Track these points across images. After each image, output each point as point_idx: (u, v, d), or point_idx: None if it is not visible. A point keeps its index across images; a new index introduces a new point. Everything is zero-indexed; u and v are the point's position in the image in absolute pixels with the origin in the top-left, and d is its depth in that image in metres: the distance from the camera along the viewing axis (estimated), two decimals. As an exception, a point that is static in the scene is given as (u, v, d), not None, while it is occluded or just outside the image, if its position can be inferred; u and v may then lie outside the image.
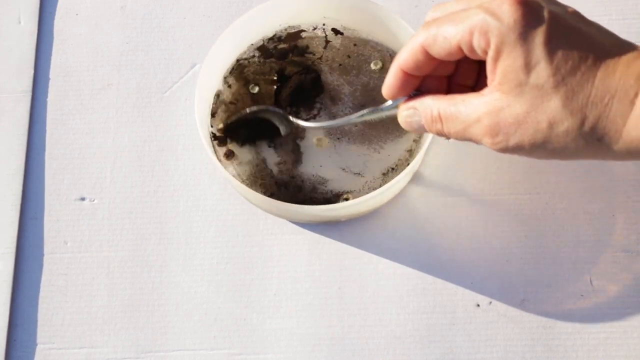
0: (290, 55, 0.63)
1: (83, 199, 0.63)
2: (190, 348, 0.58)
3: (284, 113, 0.59)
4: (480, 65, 0.49)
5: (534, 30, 0.43)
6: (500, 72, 0.44)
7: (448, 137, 0.48)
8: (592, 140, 0.44)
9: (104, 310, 0.60)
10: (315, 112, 0.62)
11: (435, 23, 0.47)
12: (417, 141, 0.61)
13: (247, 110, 0.60)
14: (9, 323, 0.59)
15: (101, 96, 0.66)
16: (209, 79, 0.61)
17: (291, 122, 0.59)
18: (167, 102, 0.65)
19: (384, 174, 0.60)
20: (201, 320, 0.59)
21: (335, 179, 0.60)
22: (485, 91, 0.46)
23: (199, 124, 0.58)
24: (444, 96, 0.48)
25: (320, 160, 0.61)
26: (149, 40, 0.67)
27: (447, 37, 0.46)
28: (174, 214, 0.62)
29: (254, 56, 0.64)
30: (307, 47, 0.64)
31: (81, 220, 0.62)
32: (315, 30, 0.64)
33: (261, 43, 0.64)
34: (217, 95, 0.63)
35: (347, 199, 0.59)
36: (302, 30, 0.64)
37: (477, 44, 0.44)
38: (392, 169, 0.60)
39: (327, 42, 0.64)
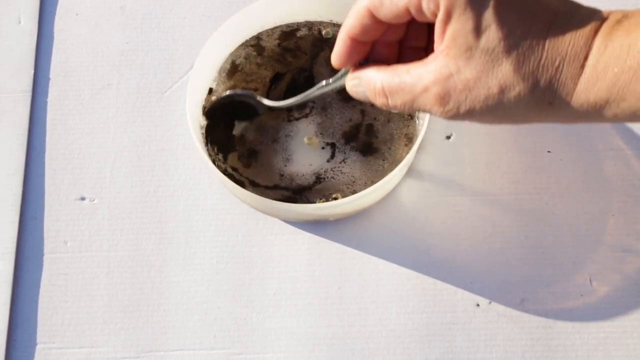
0: (284, 54, 0.64)
1: (83, 198, 0.63)
2: (190, 348, 0.58)
3: (252, 94, 0.59)
4: (431, 26, 0.47)
5: None
6: (449, 36, 0.43)
7: (396, 110, 0.47)
8: (543, 104, 0.43)
9: (104, 310, 0.60)
10: (307, 110, 0.62)
11: None
12: (409, 144, 0.61)
13: (222, 95, 0.60)
14: (9, 323, 0.59)
15: (101, 96, 0.66)
16: (201, 79, 0.61)
17: (261, 102, 0.59)
18: (167, 102, 0.65)
19: (376, 174, 0.60)
20: (201, 320, 0.59)
21: (325, 178, 0.60)
22: (429, 58, 0.44)
23: (191, 124, 0.58)
24: (387, 67, 0.47)
25: (311, 159, 0.61)
26: (149, 40, 0.67)
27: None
28: (173, 214, 0.62)
29: (247, 55, 0.64)
30: (301, 46, 0.64)
31: (81, 220, 0.62)
32: (309, 29, 0.64)
33: (255, 42, 0.64)
34: (210, 95, 0.63)
35: (336, 198, 0.59)
36: (297, 29, 0.64)
37: (426, 6, 0.43)
38: (386, 168, 0.60)
39: (321, 41, 0.64)
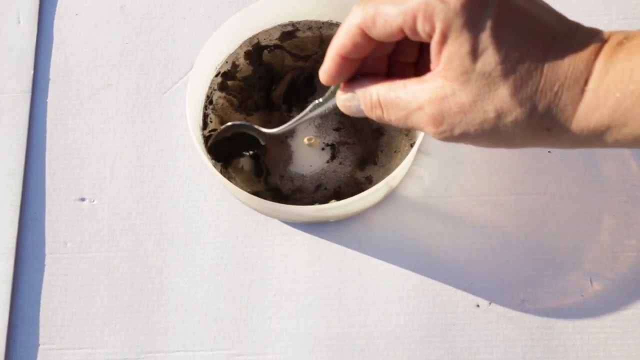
0: (284, 54, 0.63)
1: (83, 199, 0.63)
2: (190, 349, 0.58)
3: (250, 125, 0.59)
4: (423, 43, 0.46)
5: (481, 14, 0.40)
6: (445, 58, 0.41)
7: (389, 124, 0.46)
8: (541, 130, 0.42)
9: (104, 310, 0.60)
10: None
11: (372, 1, 0.43)
12: (409, 144, 0.60)
13: (218, 130, 0.60)
14: (9, 323, 0.59)
15: (101, 96, 0.66)
16: (201, 79, 0.61)
17: (260, 131, 0.58)
18: (167, 102, 0.65)
19: (376, 175, 0.60)
20: (201, 321, 0.59)
21: (325, 179, 0.60)
22: (427, 77, 0.43)
23: (191, 125, 0.58)
24: (384, 80, 0.46)
25: (311, 160, 0.61)
26: (149, 41, 0.67)
27: (387, 19, 0.42)
28: (173, 215, 0.62)
29: (247, 56, 0.64)
30: (301, 46, 0.64)
31: (81, 220, 0.62)
32: (309, 30, 0.64)
33: (255, 42, 0.64)
34: (210, 97, 0.63)
35: (336, 200, 0.59)
36: (297, 30, 0.64)
37: (422, 28, 0.42)
38: (386, 169, 0.60)
39: (321, 41, 0.64)
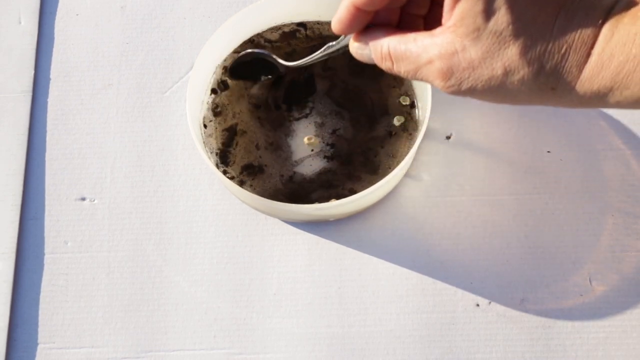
0: (284, 54, 0.64)
1: (83, 199, 0.63)
2: (190, 348, 0.59)
3: (269, 53, 0.61)
4: None
5: None
6: (458, 15, 0.43)
7: (399, 75, 0.47)
8: (547, 89, 0.43)
9: (104, 310, 0.60)
10: (307, 111, 0.62)
11: None
12: (409, 144, 0.61)
13: (240, 54, 0.62)
14: (9, 323, 0.59)
15: (101, 96, 0.66)
16: (201, 79, 0.61)
17: (278, 61, 0.60)
18: (167, 102, 0.65)
19: (376, 174, 0.60)
20: (201, 320, 0.59)
21: (325, 178, 0.61)
22: (437, 31, 0.44)
23: (191, 125, 0.58)
24: (395, 32, 0.47)
25: (311, 160, 0.61)
26: (149, 40, 0.67)
27: None
28: (174, 214, 0.62)
29: (248, 55, 0.64)
30: (301, 46, 0.64)
31: (81, 220, 0.62)
32: (309, 30, 0.64)
33: (255, 42, 0.64)
34: (211, 96, 0.63)
35: (336, 199, 0.59)
36: (297, 30, 0.64)
37: None
38: (386, 168, 0.60)
39: (321, 41, 0.64)
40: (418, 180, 0.62)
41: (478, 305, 0.58)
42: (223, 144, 0.62)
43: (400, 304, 0.59)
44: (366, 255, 0.60)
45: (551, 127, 0.63)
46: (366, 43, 0.48)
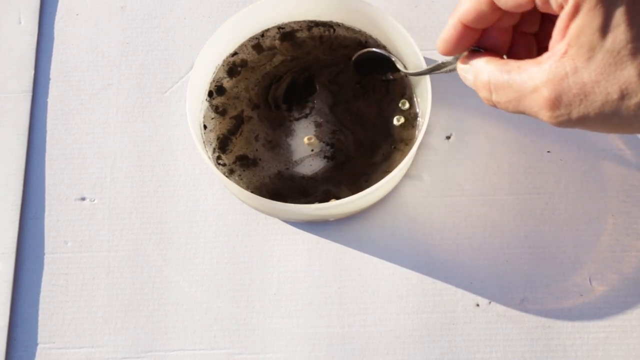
0: (284, 55, 0.64)
1: (83, 199, 0.63)
2: (190, 348, 0.59)
3: (390, 56, 0.60)
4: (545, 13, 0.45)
5: None
6: (573, 32, 0.40)
7: (498, 107, 0.44)
8: None
9: (104, 310, 0.60)
10: (307, 111, 0.62)
11: None
12: (408, 144, 0.61)
13: (363, 50, 0.62)
14: (9, 323, 0.59)
15: (101, 96, 0.66)
16: (201, 79, 0.61)
17: (396, 67, 0.60)
18: (167, 102, 0.65)
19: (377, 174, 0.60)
20: (201, 320, 0.59)
21: (325, 179, 0.61)
22: (544, 56, 0.41)
23: (191, 124, 0.58)
24: (498, 60, 0.44)
25: (311, 160, 0.61)
26: (149, 40, 0.67)
27: None
28: (174, 214, 0.62)
29: (247, 55, 0.64)
30: (301, 46, 0.64)
31: (81, 220, 0.62)
32: (310, 30, 0.64)
33: (255, 42, 0.64)
34: (210, 96, 0.63)
35: (336, 199, 0.59)
36: (297, 30, 0.64)
37: None
38: (385, 170, 0.60)
39: (321, 42, 0.64)
40: (418, 180, 0.62)
41: (478, 305, 0.58)
42: (228, 130, 0.61)
43: (400, 304, 0.59)
44: (366, 255, 0.60)
45: (551, 127, 0.62)
46: (470, 67, 0.46)
